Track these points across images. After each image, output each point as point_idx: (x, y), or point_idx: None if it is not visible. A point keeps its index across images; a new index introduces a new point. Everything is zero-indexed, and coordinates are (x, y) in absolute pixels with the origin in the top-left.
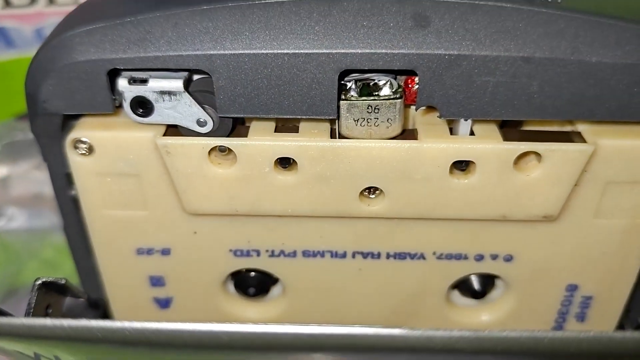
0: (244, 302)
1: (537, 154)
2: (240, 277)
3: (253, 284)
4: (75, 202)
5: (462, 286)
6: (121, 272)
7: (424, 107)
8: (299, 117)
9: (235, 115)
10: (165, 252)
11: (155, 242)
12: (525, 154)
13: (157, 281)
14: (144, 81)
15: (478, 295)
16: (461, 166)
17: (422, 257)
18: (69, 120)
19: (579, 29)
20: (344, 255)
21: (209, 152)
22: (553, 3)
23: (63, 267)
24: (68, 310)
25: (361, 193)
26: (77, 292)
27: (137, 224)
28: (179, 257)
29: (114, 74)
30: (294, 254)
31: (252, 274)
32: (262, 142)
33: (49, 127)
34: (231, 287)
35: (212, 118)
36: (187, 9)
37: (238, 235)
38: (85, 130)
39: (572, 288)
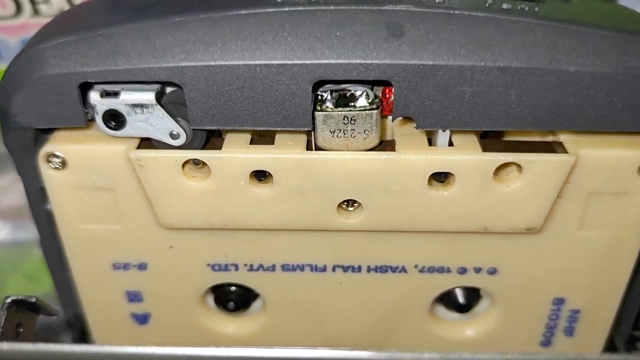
0: (224, 317)
1: (518, 165)
2: (220, 291)
3: (233, 298)
4: (50, 217)
5: (447, 300)
6: (97, 287)
7: (401, 118)
8: (274, 129)
9: (208, 128)
10: (142, 266)
11: (131, 257)
12: (505, 165)
13: (134, 296)
14: (115, 94)
15: (463, 309)
16: (440, 178)
17: (404, 270)
18: (42, 134)
19: (557, 37)
20: (324, 269)
21: (183, 165)
22: (530, 12)
23: (45, 281)
24: (43, 328)
25: (339, 206)
26: (50, 309)
27: (113, 239)
28: (156, 271)
29: (85, 87)
30: (272, 268)
31: (232, 288)
32: (236, 155)
33: (21, 141)
34: (211, 301)
35: (185, 131)
36: (159, 21)
37: (215, 250)
38: (58, 144)
39: (559, 302)
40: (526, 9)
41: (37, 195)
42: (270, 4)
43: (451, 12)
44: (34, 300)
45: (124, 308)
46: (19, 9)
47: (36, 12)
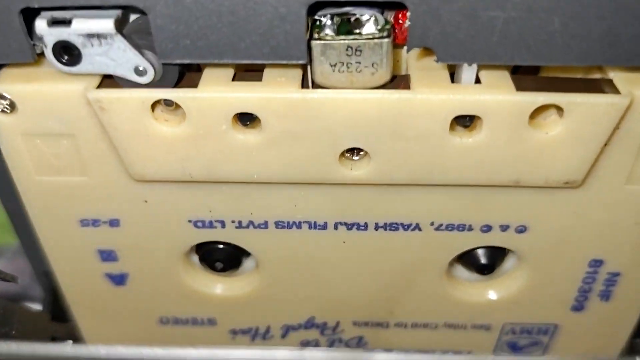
0: (212, 277)
1: (559, 108)
2: (206, 250)
3: (220, 257)
4: (5, 169)
5: (467, 259)
6: (65, 245)
7: (417, 49)
8: (260, 62)
9: (180, 62)
10: (114, 223)
11: (100, 212)
12: (543, 108)
13: (107, 255)
14: (67, 22)
15: (485, 270)
16: (465, 122)
17: (418, 227)
18: None
19: None
20: (324, 227)
21: (153, 107)
22: None
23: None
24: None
25: (342, 155)
26: (5, 276)
27: (77, 192)
28: (129, 228)
29: (30, 14)
30: (265, 225)
31: (220, 246)
32: (215, 95)
33: None
34: (196, 260)
35: (152, 65)
36: None
37: (197, 205)
38: (4, 84)
39: (597, 264)
40: None
41: None
42: None
43: None
44: None
45: (97, 268)
46: None
47: None
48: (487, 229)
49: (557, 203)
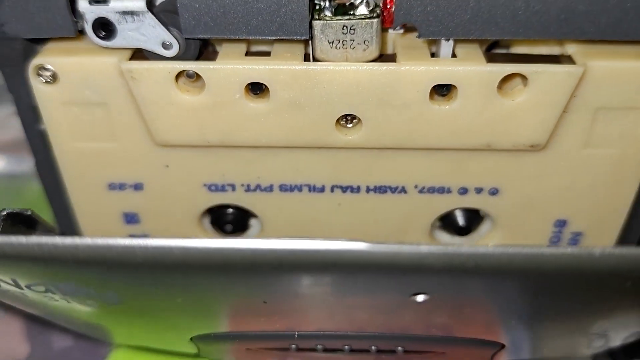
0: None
1: (523, 77)
2: (217, 213)
3: (230, 220)
4: (44, 137)
5: (447, 223)
6: (94, 209)
7: (402, 30)
8: (269, 37)
9: (201, 37)
10: (138, 187)
11: (126, 177)
12: (510, 78)
13: (131, 218)
14: (105, 1)
15: (463, 231)
16: (442, 91)
17: (404, 190)
18: (31, 47)
19: None
20: (322, 190)
21: (177, 78)
22: None
23: (44, 214)
24: None
25: (338, 122)
26: (47, 225)
27: (107, 157)
28: (152, 192)
29: None
30: (270, 189)
31: (229, 210)
32: (231, 66)
33: (10, 54)
34: (207, 224)
35: (177, 40)
36: None
37: (212, 169)
38: (48, 57)
39: (561, 224)
40: None
41: (29, 115)
42: None
43: None
44: (29, 213)
45: (121, 230)
46: None
47: None
48: (463, 191)
49: (524, 166)
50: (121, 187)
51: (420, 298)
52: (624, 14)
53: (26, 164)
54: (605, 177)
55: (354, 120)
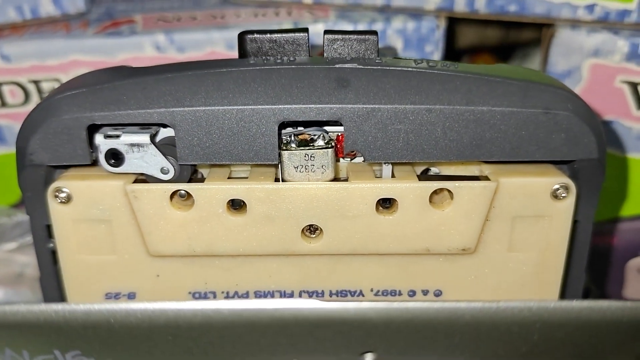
0: None
1: (450, 192)
2: None
3: None
4: (52, 254)
5: None
6: None
7: (349, 159)
8: (247, 162)
9: (194, 162)
10: (131, 296)
11: (122, 287)
12: (439, 192)
13: None
14: (117, 136)
15: None
16: (386, 204)
17: (362, 294)
18: (52, 173)
19: (472, 85)
20: (291, 295)
21: (171, 198)
22: (450, 68)
23: None
24: None
25: (303, 232)
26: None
27: (107, 269)
28: (142, 300)
29: (91, 131)
30: (246, 295)
31: None
32: (216, 186)
33: (34, 179)
34: None
35: (173, 166)
36: (154, 77)
37: (196, 277)
38: (65, 181)
39: None
40: (447, 66)
41: (42, 233)
42: (244, 65)
43: (386, 68)
44: None
45: None
46: (27, 98)
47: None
48: (412, 293)
49: (460, 269)
50: (116, 296)
51: (369, 358)
52: (521, 140)
53: (24, 297)
54: (530, 278)
55: (317, 231)
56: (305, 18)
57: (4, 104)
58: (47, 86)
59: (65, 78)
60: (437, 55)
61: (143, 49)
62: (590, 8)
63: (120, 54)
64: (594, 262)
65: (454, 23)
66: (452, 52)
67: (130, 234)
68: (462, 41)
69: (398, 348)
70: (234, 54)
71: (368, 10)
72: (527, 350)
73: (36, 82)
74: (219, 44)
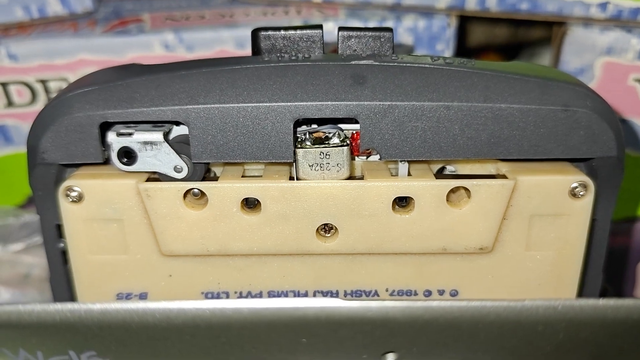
0: None
1: (467, 190)
2: None
3: None
4: (63, 254)
5: None
6: None
7: (365, 157)
8: (262, 161)
9: (207, 161)
10: (143, 296)
11: (134, 287)
12: (456, 191)
13: None
14: (130, 134)
15: None
16: (402, 203)
17: (377, 294)
18: (63, 172)
19: (489, 82)
20: (305, 295)
21: (184, 196)
22: (468, 65)
23: None
24: None
25: (318, 231)
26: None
27: (118, 269)
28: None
29: (104, 129)
30: (260, 295)
31: None
32: (230, 185)
33: (45, 178)
34: None
35: (187, 165)
36: (168, 74)
37: (209, 277)
38: (76, 180)
39: None
40: (464, 63)
41: (52, 233)
42: (258, 62)
43: (403, 65)
44: None
45: None
46: (34, 97)
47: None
48: (428, 293)
49: (477, 268)
50: (128, 296)
51: (391, 358)
52: (539, 138)
53: (30, 298)
54: (547, 277)
55: (332, 230)
56: (314, 16)
57: (11, 104)
58: (54, 86)
59: (72, 77)
60: (448, 54)
61: (152, 48)
62: (603, 6)
63: (129, 53)
64: (609, 261)
65: (464, 22)
66: (462, 50)
67: (142, 233)
68: (470, 40)
69: (420, 348)
70: (244, 52)
71: (378, 9)
72: (552, 349)
73: (43, 82)
74: (228, 43)
